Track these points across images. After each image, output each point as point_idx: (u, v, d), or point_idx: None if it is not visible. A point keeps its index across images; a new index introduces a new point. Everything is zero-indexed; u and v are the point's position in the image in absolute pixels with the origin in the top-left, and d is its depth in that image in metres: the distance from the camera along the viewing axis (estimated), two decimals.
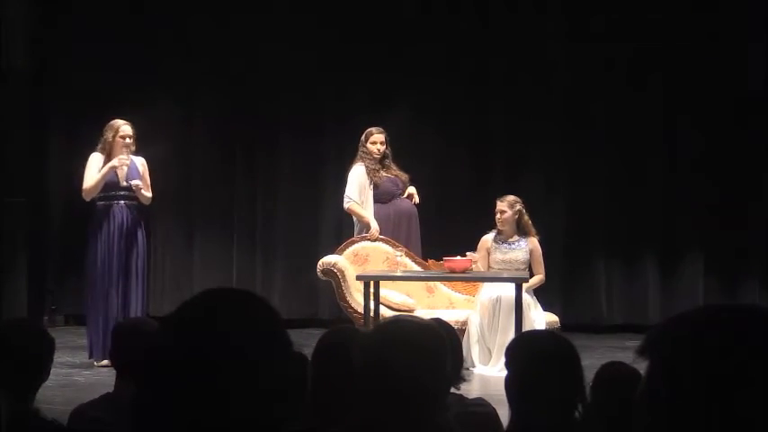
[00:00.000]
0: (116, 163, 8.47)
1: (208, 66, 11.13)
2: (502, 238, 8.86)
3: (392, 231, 9.31)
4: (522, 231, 8.85)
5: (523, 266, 8.79)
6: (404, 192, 9.44)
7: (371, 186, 9.27)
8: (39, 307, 10.86)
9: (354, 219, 9.41)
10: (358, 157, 9.35)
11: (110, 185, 8.57)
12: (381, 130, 9.38)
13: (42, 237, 11.14)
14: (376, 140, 9.31)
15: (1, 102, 10.61)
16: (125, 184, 8.54)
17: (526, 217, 8.86)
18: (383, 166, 9.35)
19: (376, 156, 9.29)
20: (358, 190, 9.24)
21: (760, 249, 10.74)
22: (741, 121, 10.74)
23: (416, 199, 9.47)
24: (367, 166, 9.27)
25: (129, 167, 8.62)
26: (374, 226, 9.22)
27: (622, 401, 3.38)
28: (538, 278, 8.83)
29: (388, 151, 9.39)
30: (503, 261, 8.81)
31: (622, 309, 10.93)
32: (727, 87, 10.69)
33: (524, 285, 8.39)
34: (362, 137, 9.36)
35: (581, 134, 10.89)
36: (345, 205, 9.31)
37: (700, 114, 10.74)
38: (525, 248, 8.82)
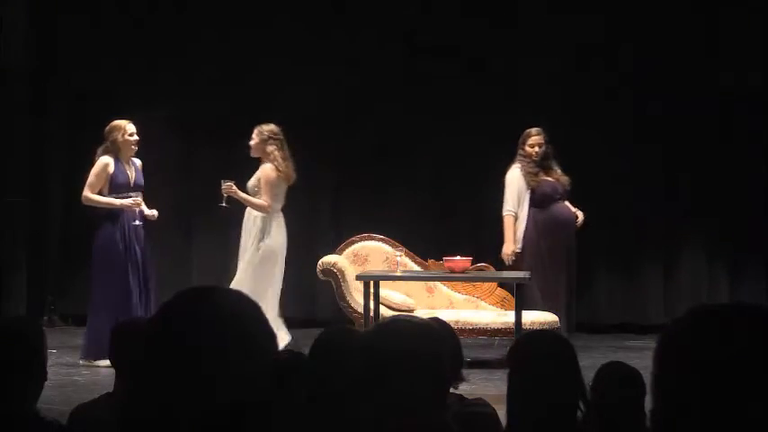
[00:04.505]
0: (129, 203, 8.54)
1: (208, 66, 11.13)
2: None
3: (547, 238, 8.84)
4: (266, 159, 8.77)
5: (254, 192, 8.72)
6: (563, 197, 8.97)
7: (528, 190, 8.87)
8: (38, 307, 10.86)
9: (517, 227, 8.95)
10: (516, 159, 8.95)
11: (120, 186, 8.60)
12: (540, 130, 8.95)
13: (42, 237, 11.14)
14: (534, 143, 8.90)
15: (1, 101, 10.62)
16: (137, 222, 8.59)
17: (270, 147, 8.74)
18: (543, 168, 8.94)
19: (534, 158, 8.89)
20: (515, 196, 8.82)
21: (760, 247, 10.75)
22: (740, 120, 10.75)
23: (579, 218, 9.00)
24: (523, 169, 8.87)
25: (136, 173, 8.71)
26: (509, 250, 8.82)
27: (622, 401, 3.40)
28: (252, 200, 8.74)
29: (549, 152, 8.97)
30: None
31: (623, 309, 10.92)
32: (726, 86, 10.70)
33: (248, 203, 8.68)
34: (520, 138, 8.99)
35: (580, 135, 10.88)
36: (504, 214, 8.90)
37: (699, 113, 10.74)
38: (257, 176, 8.76)
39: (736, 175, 10.70)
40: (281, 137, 8.86)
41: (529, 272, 8.60)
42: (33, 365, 3.02)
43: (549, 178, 8.92)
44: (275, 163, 8.78)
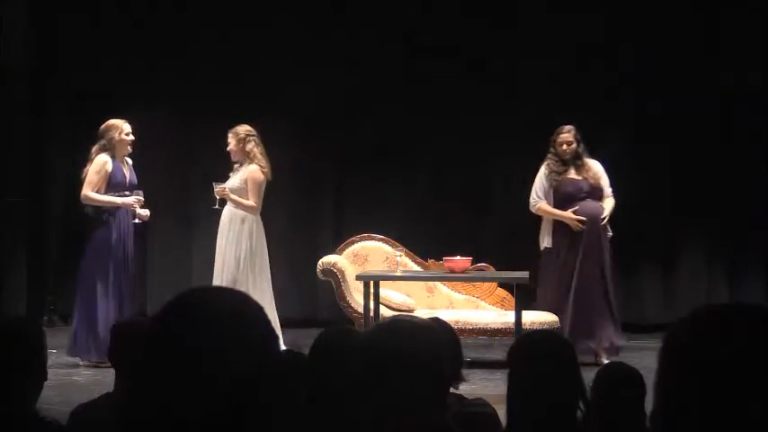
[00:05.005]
0: (132, 200, 8.57)
1: (208, 66, 11.13)
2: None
3: (568, 237, 8.61)
4: (248, 159, 8.76)
5: (237, 193, 8.69)
6: (591, 195, 8.69)
7: (551, 189, 8.69)
8: (38, 307, 10.85)
9: (542, 225, 8.81)
10: (546, 156, 8.78)
11: (117, 185, 8.60)
12: (571, 128, 8.74)
13: (42, 237, 11.14)
14: (563, 140, 8.71)
15: (1, 101, 10.61)
16: (137, 221, 8.68)
17: (249, 146, 8.71)
18: (575, 167, 8.72)
19: (565, 157, 8.68)
20: (539, 190, 8.65)
21: (760, 247, 10.75)
22: (740, 120, 10.76)
23: (605, 212, 8.70)
24: (548, 167, 8.70)
25: (130, 172, 8.76)
26: (568, 214, 8.56)
27: (622, 401, 3.40)
28: (243, 201, 8.72)
29: (580, 150, 8.75)
30: None
31: (622, 309, 10.91)
32: (726, 86, 10.71)
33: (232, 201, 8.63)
34: (552, 135, 8.78)
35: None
36: (533, 208, 8.72)
37: (699, 113, 10.74)
38: (242, 177, 8.75)
39: (736, 175, 10.70)
40: (256, 134, 8.82)
41: (546, 270, 8.62)
42: (33, 365, 3.02)
43: (578, 177, 8.73)
44: (256, 160, 8.75)
